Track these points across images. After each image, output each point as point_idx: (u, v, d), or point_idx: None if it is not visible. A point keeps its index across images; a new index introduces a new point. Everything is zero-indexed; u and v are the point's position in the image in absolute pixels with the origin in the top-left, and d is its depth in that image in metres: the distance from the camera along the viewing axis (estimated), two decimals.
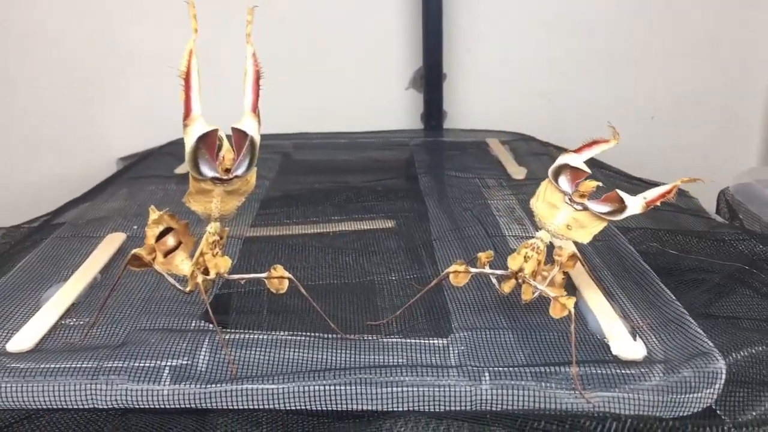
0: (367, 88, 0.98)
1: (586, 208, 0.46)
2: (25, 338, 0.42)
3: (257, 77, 0.43)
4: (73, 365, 0.39)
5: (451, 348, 0.43)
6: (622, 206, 0.46)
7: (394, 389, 0.39)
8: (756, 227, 0.71)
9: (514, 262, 0.45)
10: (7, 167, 0.99)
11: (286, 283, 0.44)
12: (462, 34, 0.97)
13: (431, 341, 0.44)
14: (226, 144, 0.40)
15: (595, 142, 0.49)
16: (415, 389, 0.39)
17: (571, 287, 0.49)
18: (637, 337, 0.44)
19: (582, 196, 0.46)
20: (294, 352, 0.43)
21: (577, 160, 0.48)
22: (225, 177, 0.40)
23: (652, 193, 0.47)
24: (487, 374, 0.40)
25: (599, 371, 0.40)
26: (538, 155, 0.84)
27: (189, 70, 0.39)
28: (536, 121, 0.98)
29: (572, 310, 0.41)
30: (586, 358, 0.42)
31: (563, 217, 0.46)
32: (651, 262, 0.54)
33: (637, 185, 0.77)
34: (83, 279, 0.49)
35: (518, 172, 0.76)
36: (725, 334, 0.45)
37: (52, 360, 0.40)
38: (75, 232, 0.58)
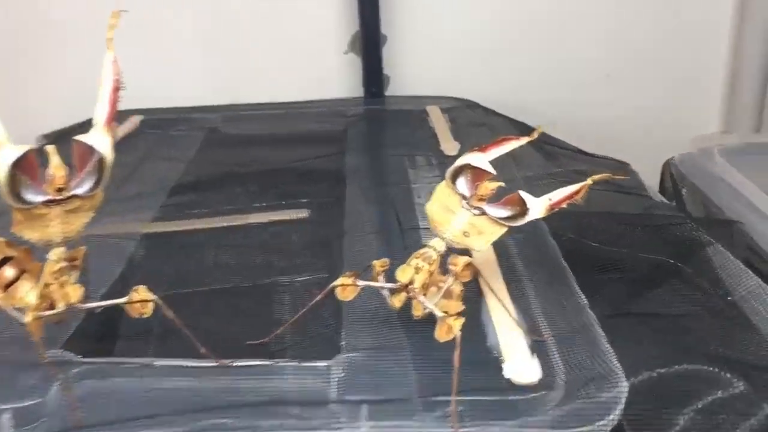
0: (303, 52, 0.92)
1: (484, 213, 0.42)
2: None
3: (116, 87, 0.38)
4: None
5: (331, 373, 0.39)
6: (523, 209, 0.42)
7: None
8: (698, 204, 0.67)
9: (403, 274, 0.40)
10: None
11: (151, 305, 0.40)
12: None
13: (312, 364, 0.40)
14: (54, 160, 0.35)
15: (505, 139, 0.45)
16: None
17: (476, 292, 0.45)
18: (535, 354, 0.40)
19: (481, 199, 0.42)
20: (160, 382, 0.39)
21: (481, 160, 0.43)
22: (58, 197, 0.36)
23: (558, 194, 0.42)
24: (365, 410, 0.36)
25: (487, 399, 0.37)
26: (479, 126, 0.79)
27: None
28: (484, 84, 0.92)
29: (458, 335, 0.37)
30: (476, 382, 0.38)
31: (460, 222, 0.41)
32: (573, 256, 0.50)
33: (585, 163, 0.72)
34: None
35: (451, 148, 0.71)
36: (636, 345, 0.42)
37: None
38: None
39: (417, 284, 0.40)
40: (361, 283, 0.41)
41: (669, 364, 0.39)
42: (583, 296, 0.44)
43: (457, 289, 0.42)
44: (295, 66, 0.92)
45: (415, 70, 0.94)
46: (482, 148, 0.44)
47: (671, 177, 0.70)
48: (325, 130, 0.83)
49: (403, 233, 0.54)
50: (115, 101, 0.38)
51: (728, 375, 0.38)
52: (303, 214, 0.60)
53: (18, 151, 0.33)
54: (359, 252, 0.52)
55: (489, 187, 0.42)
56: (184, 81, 0.90)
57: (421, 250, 0.41)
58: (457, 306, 0.42)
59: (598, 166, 0.71)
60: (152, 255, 0.54)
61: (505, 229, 0.41)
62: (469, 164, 0.43)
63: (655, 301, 0.48)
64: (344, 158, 0.71)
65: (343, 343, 0.41)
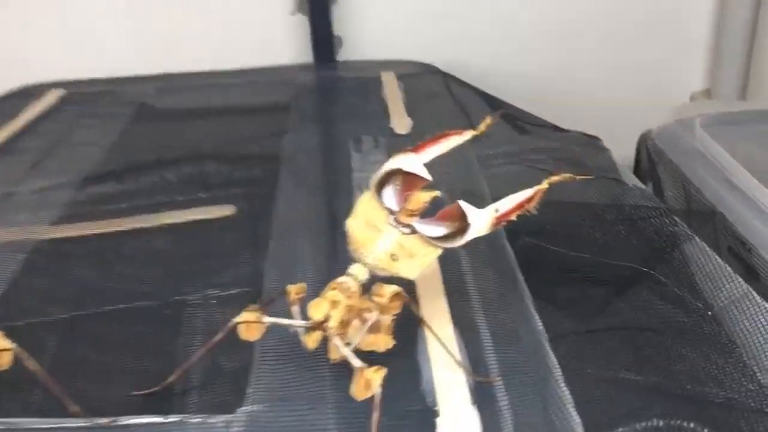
0: (244, 14, 0.83)
1: (415, 231, 0.34)
2: None
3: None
4: None
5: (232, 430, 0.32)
6: (462, 225, 0.34)
7: None
8: (677, 185, 0.60)
9: (317, 310, 0.33)
10: None
11: (9, 355, 0.33)
12: None
13: (209, 421, 0.33)
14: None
15: (444, 136, 0.37)
16: None
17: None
18: (476, 405, 0.33)
19: (411, 214, 0.35)
20: None
21: (415, 163, 0.36)
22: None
23: (507, 203, 0.35)
24: None
25: None
26: (437, 96, 0.71)
27: None
28: (445, 47, 0.84)
29: (377, 393, 0.30)
30: None
31: (386, 243, 0.34)
32: (530, 264, 0.43)
33: (554, 140, 0.65)
34: None
35: (403, 125, 0.63)
36: (600, 386, 0.35)
37: None
38: None
39: (332, 322, 0.33)
40: (268, 320, 0.34)
41: (638, 418, 0.32)
42: (539, 322, 0.38)
43: (387, 320, 0.35)
44: (236, 29, 0.83)
45: (371, 31, 0.85)
46: (416, 148, 0.37)
47: (647, 153, 0.63)
48: (270, 102, 0.74)
49: (340, 238, 0.46)
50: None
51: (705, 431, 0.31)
52: (228, 210, 0.53)
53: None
54: (286, 263, 0.45)
55: (421, 199, 0.35)
56: (110, 48, 0.81)
57: (339, 279, 0.34)
58: (386, 341, 0.35)
59: (568, 142, 0.64)
60: (44, 269, 0.46)
61: (439, 251, 0.34)
62: (400, 169, 0.36)
63: (622, 317, 0.41)
64: (283, 138, 0.63)
65: (249, 390, 0.35)
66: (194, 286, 0.45)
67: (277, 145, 0.62)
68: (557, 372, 0.35)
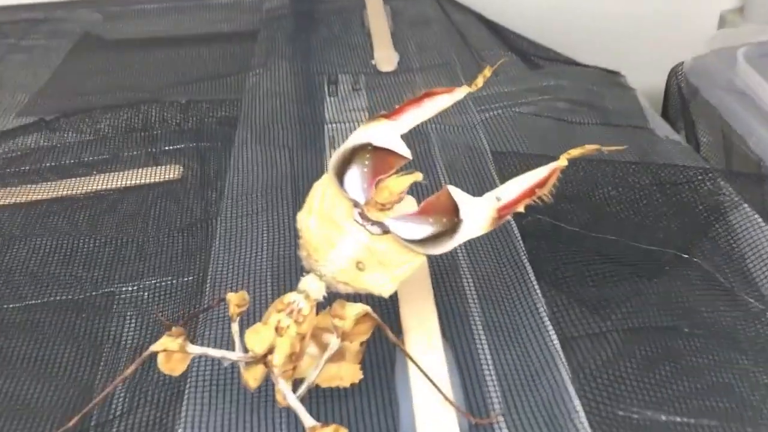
0: None
1: (388, 230, 0.25)
2: None
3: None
4: None
5: None
6: (453, 222, 0.25)
7: None
8: (715, 131, 0.50)
9: (257, 340, 0.25)
10: None
11: None
12: None
13: None
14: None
15: (428, 95, 0.28)
16: None
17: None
18: None
19: (382, 208, 0.26)
20: None
21: (390, 135, 0.27)
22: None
23: (512, 189, 0.26)
24: None
25: None
26: (430, 23, 0.60)
27: None
28: None
29: None
30: None
31: (350, 247, 0.25)
32: (541, 250, 0.35)
33: (571, 76, 0.54)
34: None
35: (387, 60, 0.53)
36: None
37: None
38: None
39: (277, 359, 0.24)
40: (194, 349, 0.25)
41: None
42: (553, 335, 0.29)
43: (354, 346, 0.27)
44: None
45: None
46: (392, 113, 0.27)
47: (679, 91, 0.53)
48: (232, 31, 0.64)
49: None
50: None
51: None
52: (174, 173, 0.44)
53: None
54: (236, 248, 0.36)
55: (396, 186, 0.25)
56: None
57: (287, 298, 0.25)
58: (353, 373, 0.27)
59: (585, 78, 0.54)
60: None
61: (421, 259, 0.25)
62: (369, 144, 0.26)
63: (651, 322, 0.32)
64: (245, 78, 0.53)
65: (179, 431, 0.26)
66: (125, 274, 0.36)
67: (238, 88, 0.52)
68: (575, 403, 0.27)
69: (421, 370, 0.26)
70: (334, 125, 0.45)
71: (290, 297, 0.25)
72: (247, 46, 0.59)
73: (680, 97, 0.53)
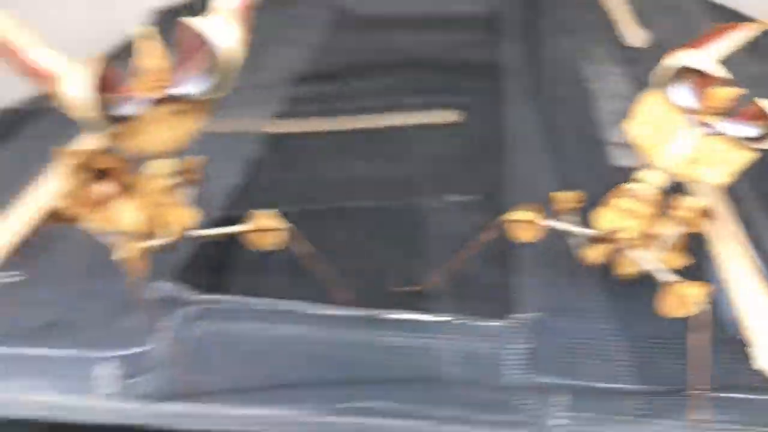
0: None
1: (719, 132, 0.30)
2: None
3: None
4: None
5: (508, 337, 0.30)
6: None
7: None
8: None
9: (605, 220, 0.30)
10: None
11: (284, 235, 0.31)
12: None
13: (481, 324, 0.30)
14: (149, 48, 0.26)
15: (725, 29, 0.32)
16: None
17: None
18: None
19: (715, 112, 0.30)
20: (290, 329, 0.31)
21: (704, 59, 0.31)
22: (159, 96, 0.27)
23: None
24: (565, 396, 0.27)
25: (735, 397, 0.26)
26: (672, 9, 0.63)
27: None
28: None
29: (698, 311, 0.26)
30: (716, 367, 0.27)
31: (684, 145, 0.30)
32: None
33: None
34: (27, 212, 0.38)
35: (637, 36, 0.57)
36: None
37: None
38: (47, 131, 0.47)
39: (629, 233, 0.29)
40: (547, 223, 0.31)
41: None
42: None
43: (681, 241, 0.31)
44: None
45: None
46: (695, 43, 0.31)
47: None
48: (470, 11, 0.70)
49: (589, 151, 0.42)
50: None
51: None
52: (453, 116, 0.50)
53: (87, 70, 0.24)
54: (527, 173, 0.41)
55: (725, 95, 0.30)
56: None
57: (632, 187, 0.30)
58: (680, 259, 0.31)
59: None
60: (274, 162, 0.45)
61: (753, 154, 0.29)
62: (688, 67, 0.31)
63: None
64: (498, 48, 0.58)
65: (521, 297, 0.32)
66: (428, 189, 0.43)
67: (493, 54, 0.57)
68: None
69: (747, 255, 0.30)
70: (596, 85, 0.50)
71: (635, 186, 0.30)
72: (488, 26, 0.65)
73: None
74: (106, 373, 0.28)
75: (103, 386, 0.28)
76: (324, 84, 0.54)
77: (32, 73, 0.25)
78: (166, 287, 0.32)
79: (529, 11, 0.69)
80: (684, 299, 0.27)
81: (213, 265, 0.36)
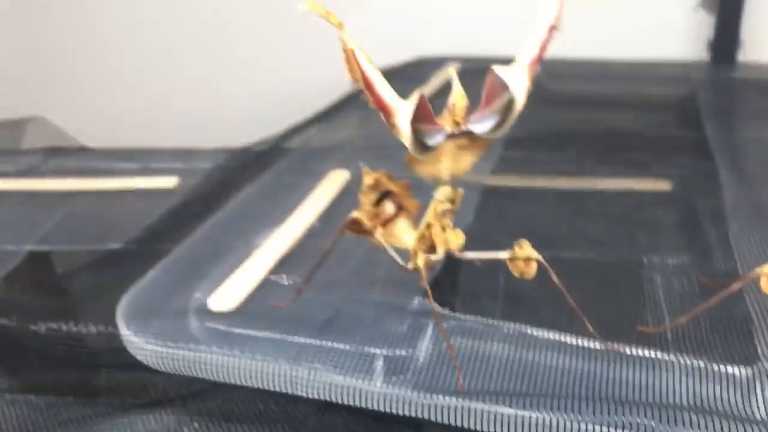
0: (642, 4, 0.82)
1: None
2: (228, 295, 0.37)
3: (553, 26, 0.32)
4: (277, 337, 0.34)
5: (756, 384, 0.31)
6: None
7: None
8: None
9: None
10: (238, 80, 0.97)
11: (534, 266, 0.34)
12: None
13: (725, 369, 0.32)
14: (456, 87, 0.30)
15: None
16: None
17: None
18: None
19: None
20: (535, 354, 0.33)
21: None
22: (455, 131, 0.31)
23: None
24: None
25: None
26: None
27: (361, 68, 0.29)
28: None
29: None
30: None
31: None
32: None
33: None
34: (298, 225, 0.43)
35: None
36: None
37: (254, 326, 0.34)
38: (298, 165, 0.53)
39: None
40: None
41: None
42: None
43: None
44: (633, 19, 0.82)
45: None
46: None
47: None
48: (667, 93, 0.73)
49: None
50: (546, 43, 0.32)
51: None
52: (664, 186, 0.52)
53: (409, 105, 0.29)
54: (749, 240, 0.43)
55: None
56: (500, 27, 0.84)
57: None
58: None
59: None
60: (499, 210, 0.49)
61: None
62: None
63: None
64: (701, 128, 0.61)
65: (762, 349, 0.33)
66: (647, 248, 0.45)
67: (699, 132, 0.60)
68: None
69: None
70: None
71: None
72: (681, 109, 0.67)
73: None
74: (380, 366, 0.32)
75: (376, 378, 0.32)
76: (530, 149, 0.58)
77: (380, 106, 0.29)
78: (426, 301, 0.35)
79: (727, 98, 0.71)
80: None
81: (448, 285, 0.40)
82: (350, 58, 0.29)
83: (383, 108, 0.30)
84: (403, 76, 0.79)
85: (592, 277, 0.43)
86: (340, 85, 0.89)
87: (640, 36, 0.83)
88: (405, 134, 0.30)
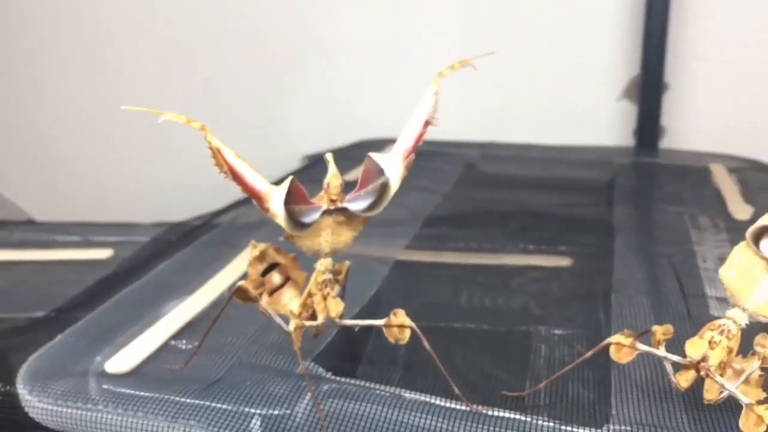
0: (571, 94, 0.88)
1: None
2: (126, 359, 0.39)
3: (428, 122, 0.37)
4: (161, 397, 0.36)
5: None
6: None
7: None
8: None
9: (694, 349, 0.34)
10: (188, 159, 1.00)
11: (408, 332, 0.37)
12: (693, 34, 0.83)
13: (578, 430, 0.35)
14: (332, 169, 0.34)
15: None
16: None
17: None
18: None
19: None
20: (406, 414, 0.36)
21: None
22: (330, 207, 0.34)
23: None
24: None
25: None
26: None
27: (228, 163, 0.33)
28: None
29: None
30: None
31: (766, 292, 0.34)
32: None
33: None
34: (208, 295, 0.46)
35: (741, 211, 0.62)
36: None
37: (144, 387, 0.37)
38: (221, 238, 0.57)
39: (712, 362, 0.33)
40: (642, 347, 0.35)
41: None
42: None
43: (756, 374, 0.35)
44: (560, 108, 0.88)
45: (697, 124, 0.85)
46: None
47: None
48: (589, 177, 0.77)
49: (686, 300, 0.46)
50: (421, 135, 0.37)
51: None
52: (565, 262, 0.56)
53: (281, 190, 0.32)
54: (630, 313, 0.46)
55: None
56: (443, 113, 0.89)
57: (717, 322, 0.34)
58: (758, 394, 0.34)
59: None
60: (405, 282, 0.52)
61: None
62: None
63: None
64: (611, 209, 0.65)
65: (614, 412, 0.36)
66: (538, 320, 0.48)
67: (606, 214, 0.64)
68: None
69: None
70: (700, 247, 0.55)
71: (720, 321, 0.34)
72: (602, 191, 0.72)
73: None
74: (256, 426, 0.35)
75: None
76: (448, 226, 0.62)
77: (251, 193, 0.33)
78: (309, 365, 0.38)
79: (644, 182, 0.75)
80: (761, 420, 0.30)
81: (348, 352, 0.43)
82: (216, 154, 0.32)
83: (254, 195, 0.33)
84: (346, 156, 0.84)
85: (481, 345, 0.45)
86: (290, 162, 0.94)
87: (573, 123, 0.88)
88: (279, 216, 0.33)
